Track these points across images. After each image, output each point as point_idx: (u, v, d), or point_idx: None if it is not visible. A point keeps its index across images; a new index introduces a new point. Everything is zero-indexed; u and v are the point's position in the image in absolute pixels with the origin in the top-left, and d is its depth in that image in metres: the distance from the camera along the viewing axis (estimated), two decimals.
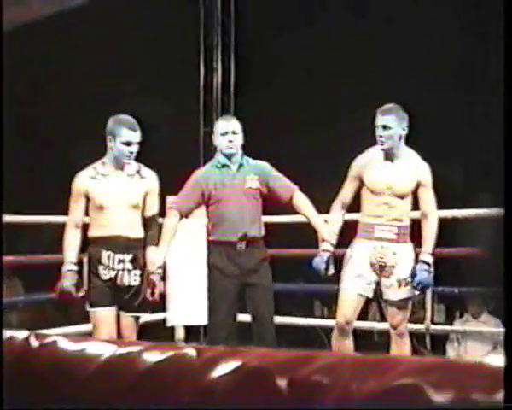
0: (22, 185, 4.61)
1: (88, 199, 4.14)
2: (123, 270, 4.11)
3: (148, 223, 4.26)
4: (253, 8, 9.34)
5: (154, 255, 4.18)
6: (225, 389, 0.95)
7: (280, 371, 0.92)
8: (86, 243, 4.22)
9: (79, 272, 4.18)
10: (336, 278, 4.41)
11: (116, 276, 4.11)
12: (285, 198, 4.41)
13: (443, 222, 6.15)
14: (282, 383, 0.91)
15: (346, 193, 4.37)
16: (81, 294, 4.15)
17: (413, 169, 4.30)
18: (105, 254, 4.12)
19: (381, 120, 4.27)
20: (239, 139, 4.41)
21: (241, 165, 4.42)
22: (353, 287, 4.29)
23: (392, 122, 4.27)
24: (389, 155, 4.31)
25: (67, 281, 4.08)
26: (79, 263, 4.21)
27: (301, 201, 4.40)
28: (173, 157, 8.73)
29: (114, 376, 1.06)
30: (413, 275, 4.29)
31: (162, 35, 9.71)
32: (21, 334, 1.23)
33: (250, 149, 4.62)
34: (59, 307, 6.64)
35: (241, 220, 4.31)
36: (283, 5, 9.58)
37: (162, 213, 4.68)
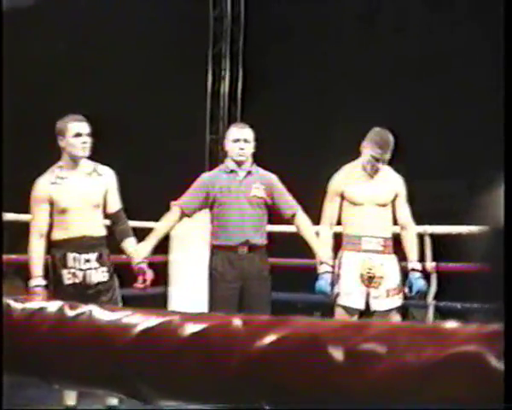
0: (24, 184, 4.58)
1: (51, 204, 4.08)
2: (90, 269, 4.08)
3: (115, 219, 4.23)
4: (262, 17, 9.35)
5: (138, 246, 4.18)
6: (275, 357, 0.94)
7: (331, 340, 0.90)
8: (49, 246, 4.15)
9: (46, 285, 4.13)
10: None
11: (84, 276, 4.07)
12: (286, 215, 4.44)
13: (447, 238, 6.13)
14: (333, 350, 0.89)
15: (331, 212, 4.45)
16: None
17: (390, 181, 4.44)
18: (70, 256, 4.07)
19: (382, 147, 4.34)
20: (250, 148, 4.43)
21: (249, 172, 4.42)
22: (349, 302, 4.33)
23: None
24: (367, 170, 4.41)
25: (37, 297, 4.04)
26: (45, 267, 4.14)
27: (302, 222, 4.43)
28: (179, 164, 8.72)
29: (156, 343, 1.04)
30: (410, 285, 4.38)
31: (171, 42, 9.72)
32: (54, 305, 1.21)
33: (257, 157, 4.61)
34: None
35: (243, 227, 4.31)
36: (292, 14, 9.59)
37: (151, 217, 4.63)
